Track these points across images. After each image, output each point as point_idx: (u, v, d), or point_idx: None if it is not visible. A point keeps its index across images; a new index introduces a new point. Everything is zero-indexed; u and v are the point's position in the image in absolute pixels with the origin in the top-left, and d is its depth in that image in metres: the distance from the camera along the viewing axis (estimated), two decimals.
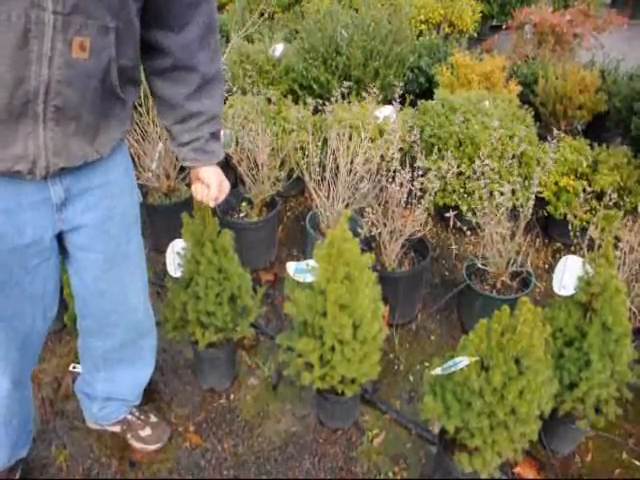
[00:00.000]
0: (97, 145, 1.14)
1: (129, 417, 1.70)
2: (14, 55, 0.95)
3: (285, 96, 2.95)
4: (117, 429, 1.71)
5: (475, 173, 2.12)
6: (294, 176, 2.41)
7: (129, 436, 1.69)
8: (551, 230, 2.57)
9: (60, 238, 1.26)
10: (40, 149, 1.05)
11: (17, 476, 1.55)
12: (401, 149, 2.25)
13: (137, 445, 1.69)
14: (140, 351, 1.57)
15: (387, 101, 2.81)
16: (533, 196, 2.01)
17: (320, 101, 2.66)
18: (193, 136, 1.31)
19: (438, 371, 1.33)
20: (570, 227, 2.10)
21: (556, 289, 1.54)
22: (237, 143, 2.34)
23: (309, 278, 1.52)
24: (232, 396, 1.87)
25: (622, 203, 2.29)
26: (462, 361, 1.28)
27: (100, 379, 1.58)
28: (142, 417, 1.71)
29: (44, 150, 1.05)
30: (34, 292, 1.24)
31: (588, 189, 2.26)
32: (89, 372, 1.60)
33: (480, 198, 2.05)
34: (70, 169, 1.13)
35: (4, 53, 0.94)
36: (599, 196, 2.30)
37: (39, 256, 1.20)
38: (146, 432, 1.69)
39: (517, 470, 1.63)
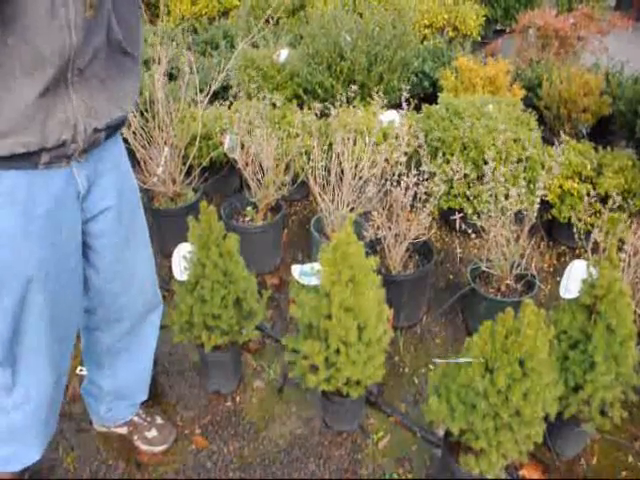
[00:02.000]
0: (119, 101, 1.20)
1: (135, 418, 1.71)
2: (47, 28, 0.99)
3: (290, 101, 2.98)
4: (123, 430, 1.72)
5: (485, 176, 2.12)
6: (299, 180, 2.42)
7: (135, 437, 1.71)
8: (555, 233, 2.58)
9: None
10: (76, 111, 1.10)
11: (26, 476, 1.57)
12: (406, 153, 2.26)
13: (143, 447, 1.70)
14: (144, 333, 1.59)
15: (391, 105, 2.82)
16: (538, 199, 2.01)
17: (325, 105, 2.68)
18: None
19: (437, 360, 1.33)
20: (575, 230, 2.10)
21: (562, 293, 1.55)
22: (242, 148, 2.36)
23: (314, 281, 1.53)
24: (238, 399, 1.88)
25: (626, 206, 2.29)
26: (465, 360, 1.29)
27: (105, 376, 1.60)
28: (148, 419, 1.73)
29: (79, 111, 1.10)
30: (68, 285, 1.28)
31: (592, 192, 2.26)
32: (93, 371, 1.62)
33: (485, 201, 2.06)
34: (97, 145, 1.19)
35: (38, 29, 0.98)
36: (603, 199, 2.30)
37: (76, 252, 1.27)
38: (152, 433, 1.71)
39: (522, 472, 1.63)
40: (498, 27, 5.03)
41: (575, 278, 1.52)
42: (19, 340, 1.26)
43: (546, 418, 1.36)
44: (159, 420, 1.74)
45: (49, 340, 1.28)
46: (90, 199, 1.26)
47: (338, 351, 1.50)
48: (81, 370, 1.95)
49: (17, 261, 1.17)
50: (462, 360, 1.28)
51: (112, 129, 1.24)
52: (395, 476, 1.64)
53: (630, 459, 1.67)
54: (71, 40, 1.03)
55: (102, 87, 1.15)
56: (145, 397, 1.71)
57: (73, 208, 1.23)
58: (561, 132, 2.21)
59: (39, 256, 1.18)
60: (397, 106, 2.54)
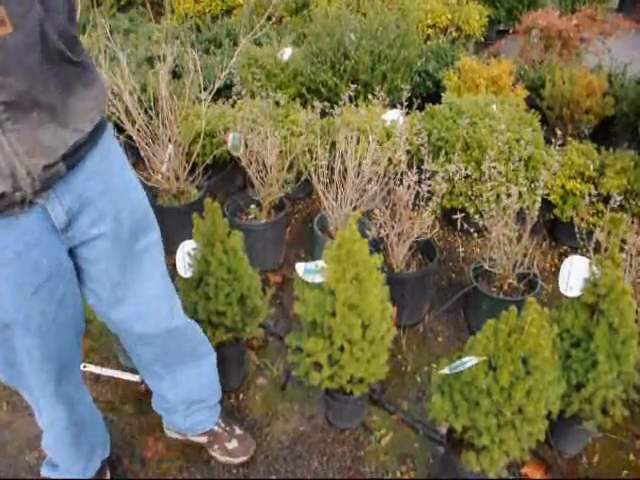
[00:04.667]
0: (73, 124, 0.99)
1: (215, 428, 1.65)
2: None
3: (293, 99, 2.98)
4: (203, 440, 1.66)
5: (483, 175, 2.13)
6: (302, 179, 2.43)
7: (215, 447, 1.65)
8: (557, 233, 2.58)
9: (70, 254, 1.17)
10: (11, 157, 0.91)
11: (108, 475, 1.58)
12: (408, 152, 2.27)
13: (221, 458, 1.65)
14: (186, 349, 1.48)
15: (394, 105, 2.83)
16: (540, 199, 2.02)
17: (328, 104, 2.69)
18: None
19: (446, 370, 1.34)
20: (576, 230, 2.11)
21: (562, 290, 1.55)
22: (246, 146, 2.37)
23: (318, 279, 1.54)
24: (241, 396, 1.89)
25: (628, 206, 2.30)
26: (470, 360, 1.30)
27: (166, 387, 1.53)
28: (227, 428, 1.66)
29: (15, 157, 0.91)
30: (67, 319, 1.19)
31: (594, 192, 2.27)
32: (154, 385, 1.56)
33: (487, 201, 2.07)
34: (62, 177, 1.01)
35: None
36: (605, 199, 2.31)
37: (61, 281, 1.14)
38: (233, 444, 1.65)
39: (524, 471, 1.64)
40: (501, 27, 5.04)
41: (576, 275, 1.53)
42: (19, 374, 1.21)
43: (548, 416, 1.37)
44: (238, 431, 1.68)
45: (47, 378, 1.22)
46: (76, 228, 1.11)
47: (342, 349, 1.50)
48: (85, 367, 1.97)
49: None
50: (468, 365, 1.29)
51: (75, 153, 1.03)
52: (398, 474, 1.65)
53: (631, 457, 1.68)
54: None
55: (48, 116, 0.93)
56: (219, 397, 1.64)
57: (52, 242, 1.08)
58: (558, 131, 2.21)
59: (14, 302, 1.07)
60: (400, 105, 2.55)
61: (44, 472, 1.54)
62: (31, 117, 0.91)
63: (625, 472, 1.65)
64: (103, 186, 1.12)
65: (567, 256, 2.49)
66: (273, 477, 1.65)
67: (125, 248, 1.21)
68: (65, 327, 1.20)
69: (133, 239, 1.23)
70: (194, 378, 1.55)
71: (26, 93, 0.88)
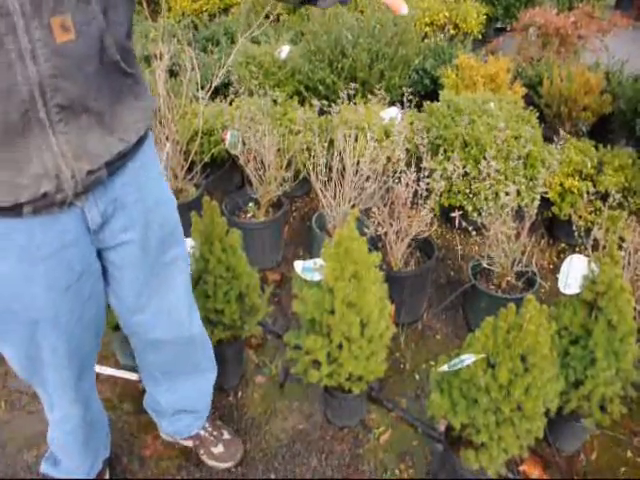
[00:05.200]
0: (119, 133, 1.02)
1: (202, 432, 1.65)
2: None
3: (291, 97, 2.98)
4: (189, 444, 1.67)
5: (481, 174, 2.14)
6: (300, 177, 2.43)
7: (201, 452, 1.66)
8: (556, 231, 2.59)
9: (98, 257, 1.20)
10: (58, 159, 0.94)
11: (107, 476, 1.58)
12: (407, 150, 2.27)
13: (209, 462, 1.65)
14: (194, 361, 1.51)
15: (392, 103, 2.83)
16: (538, 197, 2.02)
17: (326, 102, 2.68)
18: None
19: (445, 368, 1.34)
20: (575, 228, 2.11)
21: (561, 287, 1.56)
22: (244, 144, 2.36)
23: (317, 277, 1.54)
24: (240, 394, 1.89)
25: (627, 204, 2.30)
26: (468, 358, 1.30)
27: (162, 392, 1.54)
28: (215, 433, 1.66)
29: (62, 158, 0.94)
30: (91, 318, 1.21)
31: (593, 190, 2.27)
32: (151, 387, 1.57)
33: (485, 199, 2.07)
34: (102, 182, 1.04)
35: None
36: (604, 197, 2.31)
37: (91, 280, 1.17)
38: (219, 449, 1.65)
39: (523, 468, 1.64)
40: (499, 25, 5.04)
41: (575, 273, 1.53)
42: (39, 371, 1.23)
43: (546, 414, 1.37)
44: (226, 435, 1.67)
45: (68, 376, 1.24)
46: (107, 230, 1.13)
47: (341, 346, 1.51)
48: None
49: (19, 305, 1.09)
50: (467, 362, 1.29)
51: (118, 161, 1.06)
52: (397, 472, 1.65)
53: (629, 454, 1.69)
54: (28, 74, 0.84)
55: (98, 122, 0.97)
56: (209, 412, 1.66)
57: (85, 243, 1.11)
58: (560, 130, 2.22)
59: (46, 299, 1.09)
60: (398, 103, 2.55)
61: (44, 468, 1.53)
62: (80, 121, 0.94)
63: (623, 469, 1.65)
64: (138, 194, 1.15)
65: (565, 254, 2.51)
66: (272, 476, 1.65)
67: (152, 258, 1.24)
68: (88, 326, 1.22)
69: (161, 251, 1.25)
70: (191, 391, 1.57)
71: (80, 98, 0.92)
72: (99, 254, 1.19)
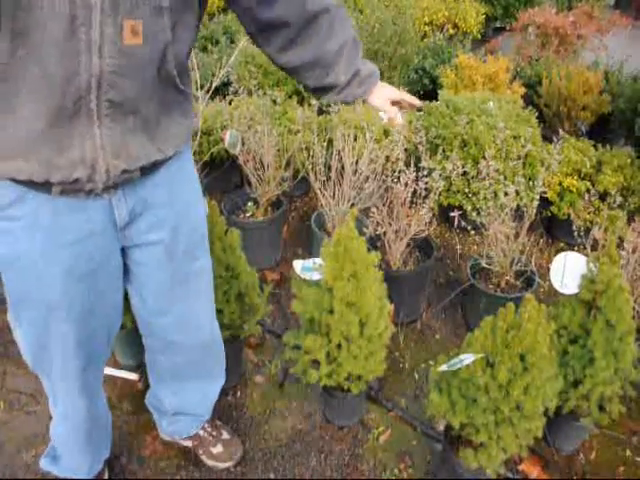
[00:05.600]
0: (159, 142, 1.06)
1: (201, 432, 1.64)
2: (62, 47, 0.87)
3: (290, 97, 2.98)
4: (188, 444, 1.66)
5: (480, 174, 2.14)
6: (299, 176, 2.43)
7: (200, 452, 1.65)
8: (555, 230, 2.59)
9: (122, 253, 1.21)
10: (97, 150, 0.97)
11: (106, 476, 1.57)
12: (406, 149, 2.27)
13: (208, 462, 1.64)
14: (207, 367, 1.53)
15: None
16: (537, 196, 2.02)
17: (325, 102, 2.68)
18: (351, 71, 1.22)
19: (444, 368, 1.34)
20: (574, 227, 2.11)
21: (556, 286, 1.56)
22: (243, 144, 2.36)
23: (316, 276, 1.54)
24: (239, 393, 1.89)
25: (625, 203, 2.30)
26: (467, 358, 1.30)
27: (168, 394, 1.54)
28: (214, 433, 1.65)
29: (102, 151, 0.97)
30: (103, 312, 1.22)
31: (592, 190, 2.27)
32: (157, 386, 1.57)
33: (484, 198, 2.07)
34: (134, 181, 1.07)
35: (51, 46, 0.87)
36: (602, 197, 2.32)
37: (107, 276, 1.17)
38: (217, 449, 1.64)
39: (522, 467, 1.64)
40: (498, 25, 5.05)
41: (572, 272, 1.53)
42: (48, 359, 1.23)
43: (545, 413, 1.37)
44: (225, 435, 1.67)
45: (76, 366, 1.24)
46: (134, 228, 1.15)
47: (340, 346, 1.51)
48: None
49: (37, 287, 1.10)
50: (466, 362, 1.29)
51: (153, 167, 1.09)
52: (396, 471, 1.65)
53: (628, 453, 1.69)
54: (91, 65, 0.89)
55: (142, 127, 1.00)
56: (209, 416, 1.65)
57: (109, 237, 1.12)
58: (560, 129, 2.22)
59: (63, 285, 1.10)
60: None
61: (44, 464, 1.52)
62: (127, 122, 0.98)
63: (622, 468, 1.65)
64: (168, 197, 1.16)
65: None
66: (271, 475, 1.65)
67: (178, 264, 1.24)
68: (99, 320, 1.22)
69: (188, 258, 1.26)
70: (197, 395, 1.57)
71: (131, 99, 0.96)
72: (124, 252, 1.20)
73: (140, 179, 1.08)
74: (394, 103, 1.31)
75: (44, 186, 0.99)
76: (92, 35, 0.88)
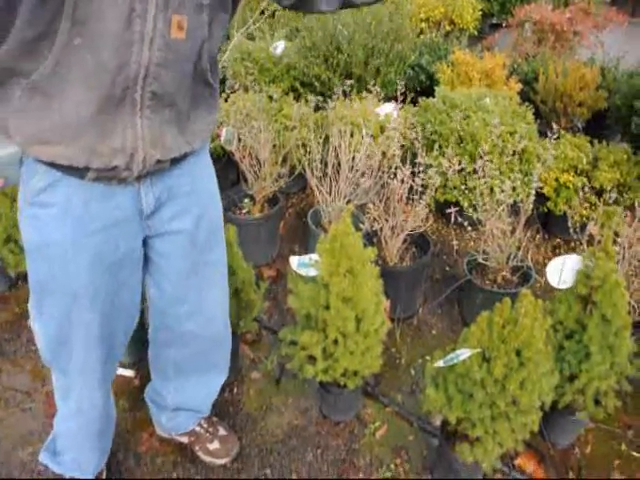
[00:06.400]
0: (188, 136, 1.10)
1: (197, 429, 1.65)
2: (118, 37, 0.91)
3: (287, 94, 2.97)
4: (185, 440, 1.66)
5: (477, 171, 2.14)
6: (296, 173, 2.43)
7: (197, 448, 1.65)
8: (551, 226, 2.59)
9: (144, 244, 1.22)
10: (138, 139, 1.00)
11: (104, 475, 1.56)
12: (402, 146, 2.27)
13: (205, 458, 1.64)
14: (213, 360, 1.53)
15: (388, 99, 2.83)
16: (533, 192, 2.03)
17: (321, 98, 2.68)
18: None
19: (440, 363, 1.35)
20: (570, 223, 2.12)
21: (554, 283, 1.56)
22: (239, 140, 2.36)
23: (312, 272, 1.54)
24: (235, 390, 1.89)
25: (621, 199, 2.31)
26: (464, 353, 1.30)
27: (170, 389, 1.55)
28: (210, 429, 1.66)
29: (141, 141, 1.01)
30: (122, 304, 1.22)
31: (588, 185, 2.28)
32: (159, 382, 1.57)
33: (481, 194, 2.07)
34: (163, 170, 1.10)
35: (108, 36, 0.90)
36: (599, 192, 2.32)
37: (130, 267, 1.19)
38: (214, 445, 1.64)
39: (518, 462, 1.64)
40: (494, 21, 5.05)
41: (570, 271, 1.53)
42: (68, 352, 1.22)
43: (541, 408, 1.37)
44: (222, 431, 1.67)
45: (97, 358, 1.24)
46: (158, 217, 1.17)
47: (336, 342, 1.51)
48: None
49: (64, 275, 1.11)
50: (462, 357, 1.29)
51: (182, 158, 1.14)
52: (392, 466, 1.65)
53: (623, 447, 1.69)
54: (141, 57, 0.94)
55: (176, 120, 1.05)
56: (208, 412, 1.66)
57: (134, 225, 1.15)
58: (554, 125, 2.22)
59: (89, 274, 1.12)
60: (394, 99, 2.54)
61: (43, 458, 1.49)
62: (164, 113, 1.02)
63: (617, 462, 1.66)
64: (191, 187, 1.20)
65: (560, 249, 2.52)
66: (267, 471, 1.65)
67: (198, 253, 1.27)
68: (119, 312, 1.23)
69: (207, 248, 1.29)
70: (199, 391, 1.57)
71: (170, 92, 1.01)
72: (146, 243, 1.22)
73: (168, 169, 1.12)
74: None
75: (80, 172, 1.02)
76: (146, 27, 0.92)
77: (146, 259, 1.26)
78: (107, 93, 0.94)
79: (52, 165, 1.01)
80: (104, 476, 1.55)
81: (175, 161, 1.12)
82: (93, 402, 1.33)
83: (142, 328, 1.64)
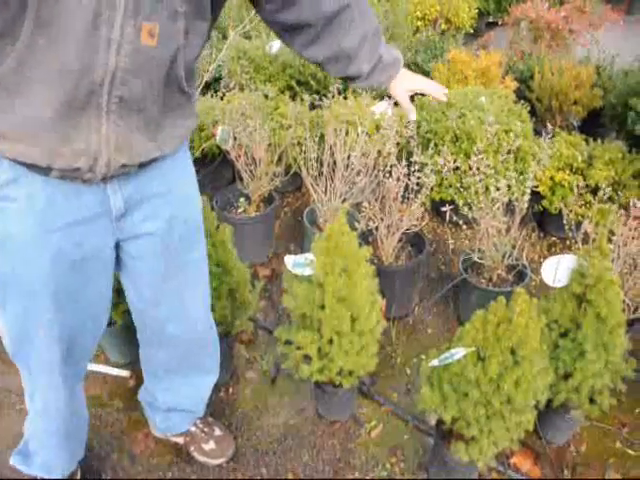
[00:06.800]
0: (160, 141, 1.09)
1: (193, 429, 1.64)
2: (83, 41, 0.89)
3: (282, 92, 2.97)
4: (180, 440, 1.66)
5: (471, 169, 2.13)
6: (291, 172, 2.42)
7: (192, 448, 1.65)
8: (546, 224, 2.59)
9: (116, 247, 1.21)
10: (102, 144, 0.99)
11: (78, 476, 1.54)
12: (397, 144, 2.27)
13: (200, 459, 1.64)
14: (199, 362, 1.52)
15: (382, 97, 2.82)
16: (528, 190, 2.03)
17: (317, 97, 2.67)
18: (373, 60, 1.27)
19: (435, 362, 1.34)
20: (565, 221, 2.12)
21: (549, 282, 1.56)
22: (235, 139, 2.35)
23: (307, 271, 1.53)
24: (231, 390, 1.88)
25: (616, 197, 2.31)
26: (458, 352, 1.30)
27: (161, 389, 1.54)
28: (206, 429, 1.65)
29: (106, 145, 0.99)
30: (87, 304, 1.21)
31: (583, 184, 2.28)
32: (150, 382, 1.57)
33: (476, 193, 2.07)
34: (130, 173, 1.08)
35: (72, 39, 0.89)
36: (594, 191, 2.32)
37: (96, 267, 1.17)
38: (210, 446, 1.64)
39: (513, 460, 1.65)
40: (490, 19, 5.05)
41: (565, 270, 1.53)
42: (29, 350, 1.21)
43: (536, 406, 1.38)
44: (218, 431, 1.67)
45: (60, 357, 1.22)
46: (129, 220, 1.15)
47: (331, 341, 1.50)
48: None
49: (24, 270, 1.09)
50: (457, 357, 1.29)
51: (150, 162, 1.11)
52: (388, 465, 1.65)
53: (618, 445, 1.70)
54: (107, 62, 0.92)
55: (146, 125, 1.03)
56: (202, 413, 1.65)
57: (101, 225, 1.12)
58: (548, 123, 2.22)
59: (50, 271, 1.10)
60: (388, 97, 2.54)
61: (14, 461, 1.48)
62: (131, 119, 1.00)
63: (612, 460, 1.66)
64: (164, 188, 1.17)
65: (556, 247, 2.52)
66: (263, 470, 1.65)
67: (173, 254, 1.25)
68: (85, 312, 1.21)
69: (183, 249, 1.27)
70: (190, 391, 1.57)
71: (139, 98, 0.99)
72: (119, 247, 1.21)
73: (137, 172, 1.11)
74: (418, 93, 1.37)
75: (44, 169, 1.01)
76: (112, 33, 0.91)
77: (122, 262, 1.24)
78: (70, 97, 0.93)
79: (15, 161, 1.01)
80: (78, 476, 1.54)
81: (144, 165, 1.10)
82: (58, 402, 1.31)
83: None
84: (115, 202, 1.11)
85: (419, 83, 1.38)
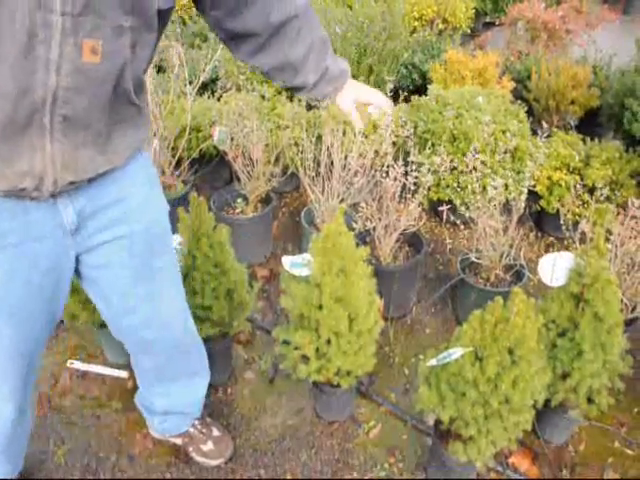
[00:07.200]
0: (110, 154, 1.06)
1: (191, 430, 1.64)
2: (18, 63, 0.86)
3: (279, 93, 2.96)
4: (179, 441, 1.66)
5: (467, 167, 2.14)
6: (289, 172, 2.42)
7: (190, 449, 1.65)
8: (544, 224, 2.60)
9: (77, 260, 1.18)
10: (47, 163, 0.96)
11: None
12: (395, 144, 2.27)
13: (199, 459, 1.64)
14: (188, 366, 1.52)
15: None
16: (526, 190, 2.03)
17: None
18: (319, 71, 1.26)
19: (433, 362, 1.34)
20: (562, 221, 2.12)
21: (547, 281, 1.56)
22: (232, 140, 2.35)
23: (305, 272, 1.53)
24: (229, 390, 1.88)
25: (614, 197, 2.31)
26: (456, 352, 1.30)
27: (155, 394, 1.55)
28: (204, 430, 1.66)
29: (51, 164, 0.96)
30: (42, 319, 1.18)
31: (580, 183, 2.28)
32: (145, 387, 1.56)
33: (473, 192, 2.07)
34: (81, 186, 1.05)
35: (6, 61, 0.85)
36: (591, 190, 2.32)
37: (55, 281, 1.15)
38: (208, 446, 1.64)
39: (511, 460, 1.65)
40: (487, 20, 5.06)
41: (563, 268, 1.53)
42: None
43: (534, 406, 1.38)
44: (216, 432, 1.67)
45: (9, 372, 1.19)
46: (84, 232, 1.12)
47: (329, 341, 1.50)
48: (72, 363, 1.95)
49: None
50: (454, 356, 1.29)
51: (100, 175, 1.08)
52: (386, 465, 1.65)
53: (616, 444, 1.70)
54: (47, 82, 0.88)
55: (93, 139, 1.00)
56: (199, 414, 1.65)
57: (57, 241, 1.09)
58: (544, 123, 2.22)
59: (4, 289, 1.07)
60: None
61: None
62: (78, 136, 0.97)
63: (611, 459, 1.66)
64: (118, 196, 1.14)
65: (553, 247, 2.52)
66: (262, 471, 1.64)
67: (140, 260, 1.22)
68: (37, 327, 1.19)
69: (149, 254, 1.24)
70: (185, 395, 1.57)
71: (84, 115, 0.96)
72: (80, 261, 1.18)
73: (88, 184, 1.08)
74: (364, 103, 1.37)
75: None
76: (51, 54, 0.87)
77: (85, 275, 1.22)
78: (9, 118, 0.90)
79: None
80: None
81: (92, 179, 1.07)
82: (3, 414, 1.27)
83: None
84: (67, 217, 1.08)
85: (365, 95, 1.38)
